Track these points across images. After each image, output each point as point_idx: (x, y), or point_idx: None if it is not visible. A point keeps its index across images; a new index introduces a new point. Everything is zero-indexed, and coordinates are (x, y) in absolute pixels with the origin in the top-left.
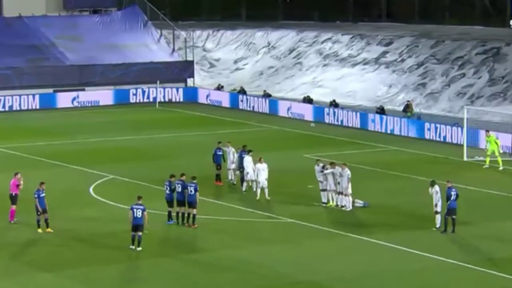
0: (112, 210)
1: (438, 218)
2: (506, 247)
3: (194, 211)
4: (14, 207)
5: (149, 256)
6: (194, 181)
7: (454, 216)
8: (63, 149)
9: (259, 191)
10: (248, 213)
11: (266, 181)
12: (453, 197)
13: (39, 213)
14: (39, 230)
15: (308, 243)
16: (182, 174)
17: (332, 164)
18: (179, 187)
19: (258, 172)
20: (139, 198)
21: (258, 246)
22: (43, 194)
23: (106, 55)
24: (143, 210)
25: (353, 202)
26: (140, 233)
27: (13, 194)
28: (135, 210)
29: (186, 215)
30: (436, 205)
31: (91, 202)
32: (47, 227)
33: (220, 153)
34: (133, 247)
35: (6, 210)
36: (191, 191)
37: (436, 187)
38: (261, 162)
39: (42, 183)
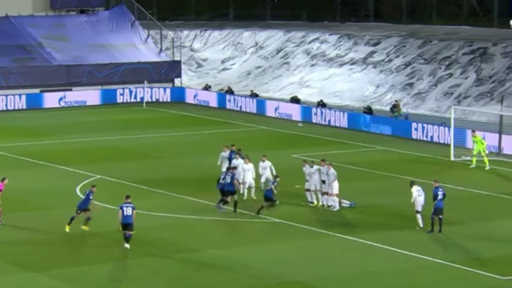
0: (98, 211)
1: (419, 217)
2: (493, 247)
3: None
4: None
5: (137, 256)
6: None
7: (440, 216)
8: (49, 149)
9: (246, 191)
10: (236, 214)
11: (253, 181)
12: (440, 197)
13: (78, 212)
14: (67, 229)
15: (296, 243)
16: (128, 196)
17: (322, 162)
18: (128, 210)
19: (244, 173)
20: (128, 197)
21: (246, 246)
22: (91, 197)
23: (93, 55)
24: (133, 209)
25: (340, 202)
26: (130, 232)
27: None
28: (125, 208)
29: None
30: (415, 205)
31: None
32: (85, 225)
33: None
34: (127, 245)
35: None
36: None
37: (416, 187)
38: (247, 162)
39: (93, 186)
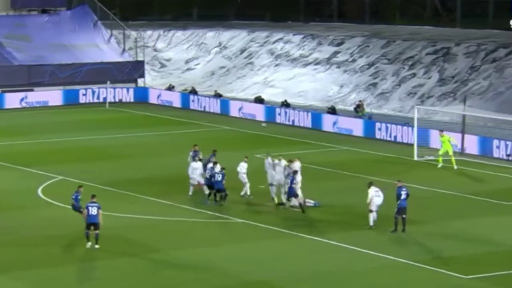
0: (61, 212)
1: (371, 216)
2: (457, 246)
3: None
4: None
5: (102, 257)
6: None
7: (404, 216)
8: (10, 150)
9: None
10: (199, 214)
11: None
12: (403, 196)
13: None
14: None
15: (259, 243)
16: (93, 196)
17: (291, 162)
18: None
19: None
20: (93, 196)
21: (211, 246)
22: (80, 197)
23: (55, 55)
24: (98, 208)
25: (304, 201)
26: (97, 231)
27: None
28: (90, 208)
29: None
30: (370, 204)
31: (40, 203)
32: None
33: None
34: (90, 243)
35: None
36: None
37: (374, 188)
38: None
39: (80, 187)
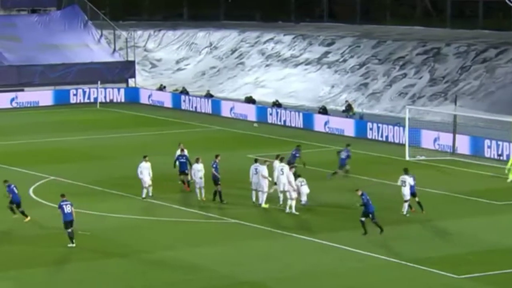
0: (52, 212)
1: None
2: (448, 246)
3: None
4: None
5: (92, 257)
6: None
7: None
8: (1, 150)
9: (198, 191)
10: (189, 214)
11: (201, 180)
12: (412, 183)
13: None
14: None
15: (250, 243)
16: (63, 195)
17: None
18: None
19: (195, 173)
20: (63, 195)
21: (198, 247)
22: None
23: (45, 55)
24: (71, 205)
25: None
26: (71, 229)
27: None
28: (64, 206)
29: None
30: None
31: (31, 204)
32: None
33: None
34: (73, 245)
35: None
36: (68, 209)
37: (402, 177)
38: (198, 162)
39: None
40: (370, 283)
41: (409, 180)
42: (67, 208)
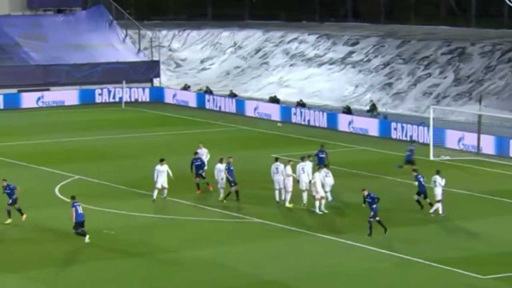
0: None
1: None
2: (474, 246)
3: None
4: None
5: (113, 257)
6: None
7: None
8: (27, 150)
9: (222, 191)
10: (212, 213)
11: (223, 181)
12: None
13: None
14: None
15: (274, 242)
16: (73, 197)
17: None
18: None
19: (217, 172)
20: (74, 197)
21: (222, 246)
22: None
23: (71, 55)
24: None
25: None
26: (81, 229)
27: None
28: (77, 207)
29: None
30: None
31: (57, 202)
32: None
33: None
34: (89, 240)
35: None
36: (80, 209)
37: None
38: (222, 162)
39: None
40: (397, 283)
41: (440, 181)
42: (80, 209)
